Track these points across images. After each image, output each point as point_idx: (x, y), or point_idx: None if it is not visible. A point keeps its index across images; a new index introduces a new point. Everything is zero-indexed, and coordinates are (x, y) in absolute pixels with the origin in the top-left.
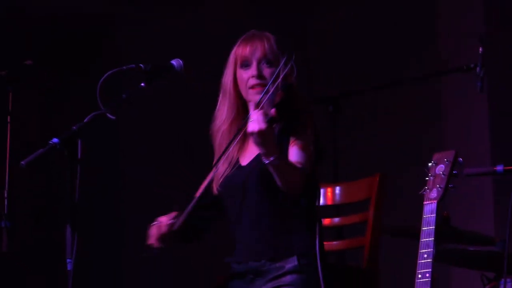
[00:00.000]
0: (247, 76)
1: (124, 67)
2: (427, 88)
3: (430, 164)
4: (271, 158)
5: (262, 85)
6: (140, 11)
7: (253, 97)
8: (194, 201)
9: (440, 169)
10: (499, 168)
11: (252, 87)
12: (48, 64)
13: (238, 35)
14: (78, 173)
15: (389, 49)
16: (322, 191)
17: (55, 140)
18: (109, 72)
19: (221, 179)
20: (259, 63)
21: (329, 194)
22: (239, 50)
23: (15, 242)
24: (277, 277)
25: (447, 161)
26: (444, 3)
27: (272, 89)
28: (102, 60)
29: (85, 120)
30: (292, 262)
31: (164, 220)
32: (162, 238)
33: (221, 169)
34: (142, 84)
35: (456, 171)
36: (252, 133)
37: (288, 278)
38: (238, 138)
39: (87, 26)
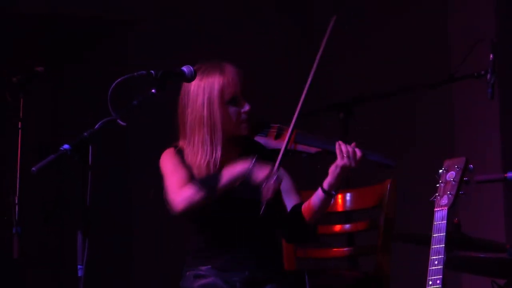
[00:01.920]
0: (238, 111)
1: (135, 74)
2: (438, 94)
3: (440, 170)
4: (335, 192)
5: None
6: (140, 11)
7: (244, 131)
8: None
9: (451, 175)
10: (510, 174)
11: (246, 121)
12: (49, 65)
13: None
14: (89, 179)
15: (399, 55)
16: None
17: (66, 146)
18: (120, 79)
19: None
20: (246, 99)
21: (339, 200)
22: (229, 86)
23: (26, 248)
24: None
25: (457, 167)
26: (455, 10)
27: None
28: (102, 61)
29: (96, 127)
30: None
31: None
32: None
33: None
34: (153, 91)
35: (467, 178)
36: (347, 167)
37: None
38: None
39: (87, 27)
